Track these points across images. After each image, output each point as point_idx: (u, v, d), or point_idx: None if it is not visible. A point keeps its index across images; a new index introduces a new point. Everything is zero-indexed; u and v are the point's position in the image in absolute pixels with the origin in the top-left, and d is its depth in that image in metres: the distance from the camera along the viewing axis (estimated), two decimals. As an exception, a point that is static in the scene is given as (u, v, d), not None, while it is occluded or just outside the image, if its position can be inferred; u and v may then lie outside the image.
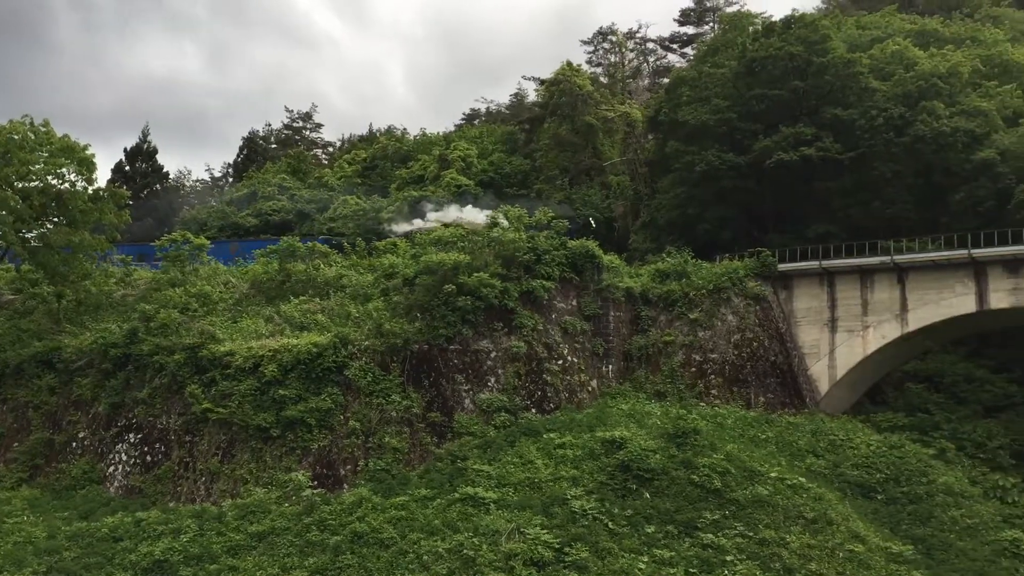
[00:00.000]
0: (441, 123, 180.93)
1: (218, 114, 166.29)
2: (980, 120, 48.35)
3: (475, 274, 39.24)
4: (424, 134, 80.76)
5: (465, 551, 29.79)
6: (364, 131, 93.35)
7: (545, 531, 30.17)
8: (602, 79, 76.31)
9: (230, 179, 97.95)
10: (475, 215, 55.26)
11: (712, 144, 52.20)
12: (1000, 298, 39.03)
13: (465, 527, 30.99)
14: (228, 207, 73.30)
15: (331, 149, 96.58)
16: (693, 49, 78.77)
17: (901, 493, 34.68)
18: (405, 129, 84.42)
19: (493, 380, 38.57)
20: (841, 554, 30.21)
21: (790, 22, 53.80)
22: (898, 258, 41.00)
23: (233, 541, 31.90)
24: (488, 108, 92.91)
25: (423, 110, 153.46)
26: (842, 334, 42.01)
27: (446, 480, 34.05)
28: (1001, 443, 38.96)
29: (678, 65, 78.59)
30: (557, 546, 29.61)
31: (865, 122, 49.03)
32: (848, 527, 31.56)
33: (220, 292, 45.30)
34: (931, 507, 33.83)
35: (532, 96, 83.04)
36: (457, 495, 32.73)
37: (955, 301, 39.85)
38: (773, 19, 60.14)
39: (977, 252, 39.18)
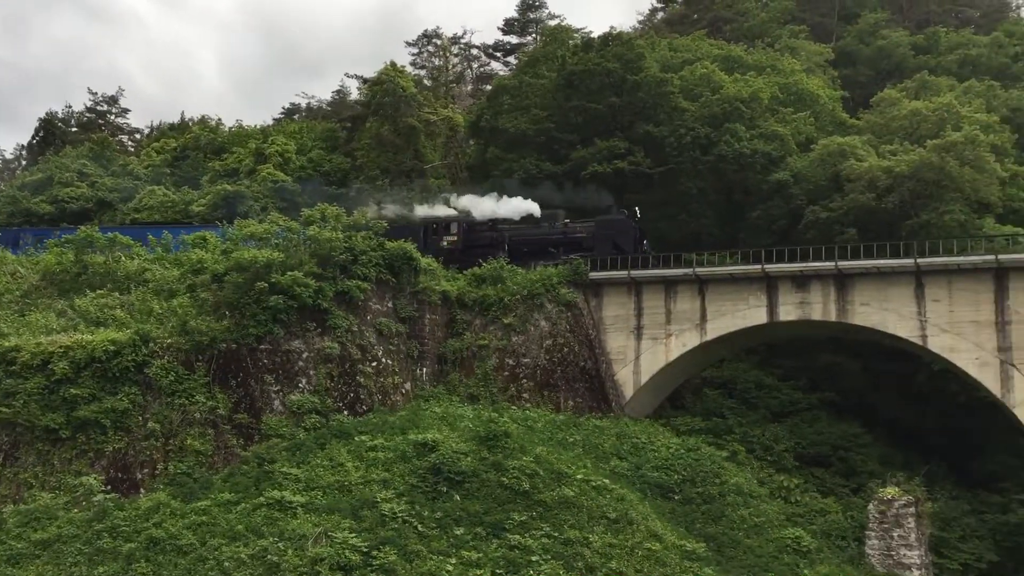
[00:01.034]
0: (259, 116, 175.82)
1: (11, 91, 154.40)
2: (777, 144, 51.84)
3: (289, 273, 38.30)
4: (240, 126, 78.04)
5: (269, 556, 28.99)
6: (175, 119, 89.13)
7: (353, 535, 29.80)
8: (426, 82, 76.36)
9: (23, 162, 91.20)
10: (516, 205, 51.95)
11: (531, 152, 53.42)
12: (789, 311, 41.85)
13: (270, 532, 30.15)
14: (20, 192, 68.19)
15: (138, 136, 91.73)
16: (516, 58, 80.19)
17: (696, 493, 36.56)
18: (220, 120, 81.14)
19: (304, 381, 37.76)
20: (640, 552, 31.49)
21: (608, 39, 55.81)
22: (699, 271, 43.19)
23: (14, 550, 29.75)
24: (309, 104, 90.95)
25: (239, 101, 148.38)
26: (647, 341, 43.82)
27: (252, 484, 32.98)
28: (786, 446, 41.83)
29: (501, 73, 79.82)
30: (365, 549, 29.29)
31: (675, 140, 51.53)
32: (647, 526, 32.94)
33: (6, 283, 42.08)
34: (723, 507, 35.84)
35: (355, 94, 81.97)
36: (263, 499, 31.76)
37: (749, 313, 42.39)
38: (592, 35, 62.24)
39: (770, 267, 41.87)
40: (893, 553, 34.76)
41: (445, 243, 49.69)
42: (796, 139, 53.32)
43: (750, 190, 50.49)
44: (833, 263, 40.68)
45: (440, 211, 52.71)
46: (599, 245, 47.07)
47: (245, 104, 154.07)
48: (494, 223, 50.37)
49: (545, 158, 52.86)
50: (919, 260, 39.19)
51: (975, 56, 70.48)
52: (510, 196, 51.11)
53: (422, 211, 53.09)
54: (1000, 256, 38.00)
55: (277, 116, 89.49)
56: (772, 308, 42.08)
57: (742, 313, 42.49)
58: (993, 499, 42.14)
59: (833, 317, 40.98)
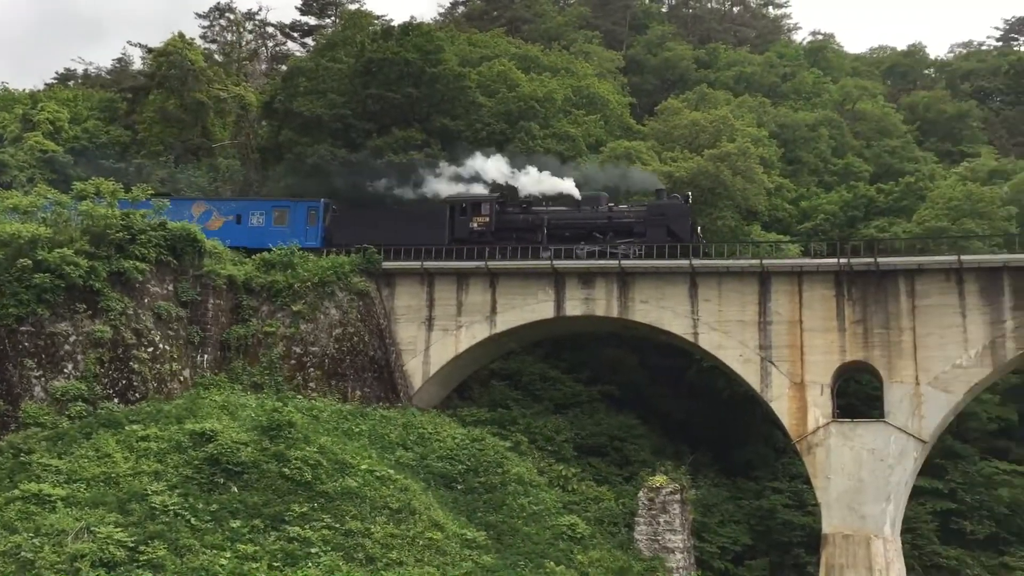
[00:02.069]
0: (27, 80, 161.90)
1: None
2: (569, 144, 53.50)
3: (57, 250, 35.65)
4: (6, 90, 71.86)
5: (24, 553, 26.96)
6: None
7: (119, 529, 28.18)
8: (217, 57, 73.10)
9: None
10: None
11: (326, 138, 52.35)
12: (575, 306, 43.28)
13: (25, 527, 28.04)
14: None
15: None
16: (313, 40, 78.34)
17: (479, 483, 37.18)
18: (-19, 81, 74.33)
19: (71, 366, 35.32)
20: (421, 542, 31.68)
21: (408, 29, 55.59)
22: (491, 264, 43.87)
23: None
24: (86, 70, 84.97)
25: (3, 62, 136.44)
26: (438, 332, 44.03)
27: (5, 476, 30.58)
28: (567, 437, 43.31)
29: (297, 54, 77.69)
30: (131, 545, 27.80)
31: (471, 134, 52.07)
32: (430, 516, 33.18)
33: None
34: (504, 496, 36.64)
35: (138, 64, 77.32)
36: (18, 492, 29.53)
37: (537, 307, 43.52)
38: (393, 23, 61.80)
39: (558, 264, 43.14)
40: (659, 538, 36.83)
41: (475, 225, 45.89)
42: (587, 140, 55.25)
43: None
44: (617, 262, 42.43)
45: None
46: (652, 231, 44.15)
47: (11, 66, 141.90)
48: (528, 204, 47.40)
49: (340, 144, 51.98)
50: (694, 262, 41.57)
51: (749, 73, 75.74)
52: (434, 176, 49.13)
53: (442, 188, 49.27)
54: (765, 261, 40.92)
55: (49, 81, 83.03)
56: (559, 303, 43.36)
57: (531, 307, 43.54)
58: (749, 486, 45.50)
59: (615, 313, 42.76)
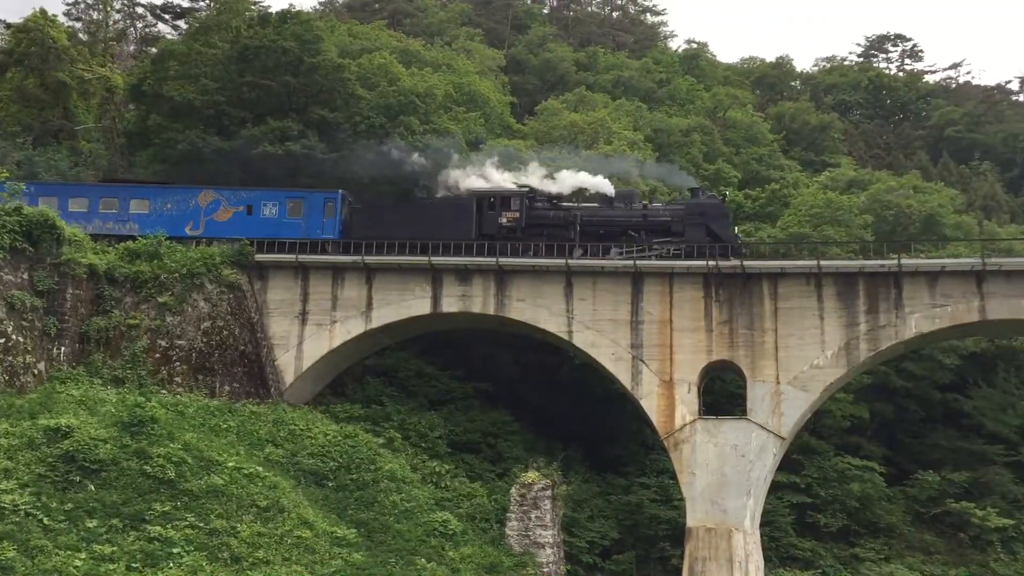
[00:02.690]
0: None
1: None
2: (449, 140, 53.36)
3: None
4: None
5: None
6: None
7: (-37, 531, 26.64)
8: (82, 36, 69.74)
9: None
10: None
11: (198, 125, 50.65)
12: (452, 302, 43.25)
13: None
14: None
15: None
16: (186, 23, 75.65)
17: (351, 480, 36.75)
18: None
19: (-89, 358, 33.13)
20: (289, 540, 31.11)
21: (286, 16, 54.31)
22: (368, 259, 43.37)
23: None
24: (-63, 44, 79.63)
25: None
26: (311, 327, 43.29)
27: None
28: (440, 433, 43.26)
29: (169, 36, 74.84)
30: (-23, 547, 26.30)
31: (350, 127, 51.29)
32: (299, 514, 32.60)
33: None
34: (376, 493, 36.34)
35: (-5, 39, 72.98)
36: None
37: (414, 303, 43.29)
38: (270, 9, 60.32)
39: (436, 260, 43.01)
40: (530, 533, 37.23)
41: (504, 220, 44.16)
42: (467, 138, 55.26)
43: (423, 184, 51.53)
44: (495, 259, 42.61)
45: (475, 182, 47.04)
46: (691, 230, 42.94)
47: None
48: (557, 200, 45.83)
49: (213, 132, 50.36)
50: (570, 261, 42.14)
51: (627, 78, 77.40)
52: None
53: (466, 180, 47.26)
54: (638, 262, 41.84)
55: None
56: (436, 299, 43.24)
57: (408, 303, 43.27)
58: (618, 482, 46.48)
59: (492, 311, 42.95)
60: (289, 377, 42.60)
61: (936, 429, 52.29)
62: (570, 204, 45.81)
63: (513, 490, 38.28)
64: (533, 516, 37.26)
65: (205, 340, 41.00)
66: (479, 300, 42.98)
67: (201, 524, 30.12)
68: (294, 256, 43.48)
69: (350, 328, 43.15)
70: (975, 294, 39.25)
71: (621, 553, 43.22)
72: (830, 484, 47.46)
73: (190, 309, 41.29)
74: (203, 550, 29.17)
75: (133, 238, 43.30)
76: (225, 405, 39.03)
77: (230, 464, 33.35)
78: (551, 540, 37.26)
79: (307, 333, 43.16)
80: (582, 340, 41.96)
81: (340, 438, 38.79)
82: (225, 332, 41.47)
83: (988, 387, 52.82)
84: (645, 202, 46.00)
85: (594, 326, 41.88)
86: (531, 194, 45.61)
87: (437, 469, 40.22)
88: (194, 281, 41.73)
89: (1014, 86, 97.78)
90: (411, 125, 51.75)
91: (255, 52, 51.13)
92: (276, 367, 42.57)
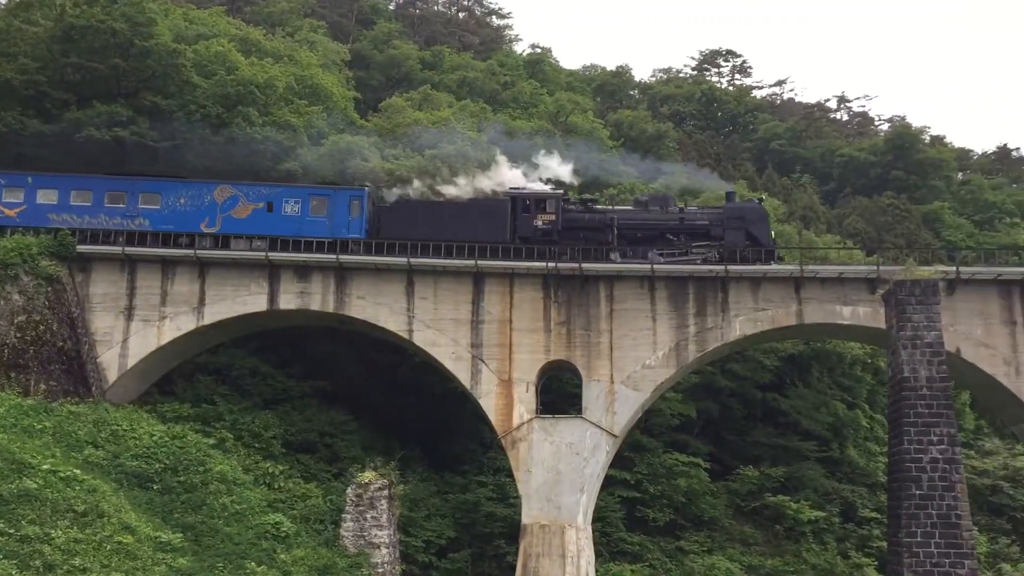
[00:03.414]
0: None
1: None
2: (289, 134, 52.12)
3: None
4: None
5: None
6: None
7: None
8: None
9: None
10: None
11: (16, 106, 47.50)
12: (290, 299, 42.28)
13: None
14: None
15: None
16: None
17: (178, 482, 35.29)
18: None
19: None
20: (109, 546, 29.54)
21: (116, -4, 51.63)
22: (201, 253, 41.86)
23: None
24: None
25: None
26: (138, 323, 41.41)
27: None
28: (275, 433, 42.20)
29: (-14, 10, 69.76)
30: None
31: (184, 115, 49.30)
32: (120, 519, 31.03)
33: None
34: (205, 495, 35.04)
35: None
36: None
37: (249, 299, 42.05)
38: (99, -12, 57.10)
39: (273, 255, 41.93)
40: (365, 533, 36.82)
41: (540, 223, 43.08)
42: (308, 132, 54.12)
43: (260, 175, 50.10)
44: (335, 256, 41.94)
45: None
46: (730, 234, 42.74)
47: None
48: (592, 202, 45.42)
49: (33, 114, 47.31)
50: (411, 260, 41.96)
51: (472, 79, 77.80)
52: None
53: (491, 180, 45.84)
54: (480, 262, 42.11)
55: None
56: (273, 296, 42.17)
57: (243, 299, 42.00)
58: (456, 480, 46.66)
59: (331, 308, 42.24)
60: (112, 375, 40.57)
61: (757, 427, 55.09)
62: (604, 207, 45.70)
63: (349, 490, 37.78)
64: (369, 516, 36.89)
65: (19, 335, 38.47)
66: (318, 297, 42.22)
67: (11, 531, 28.18)
68: (120, 248, 41.46)
69: (180, 324, 41.51)
70: (794, 299, 41.64)
71: (457, 552, 43.41)
72: (659, 480, 49.21)
73: (3, 302, 38.71)
74: (13, 558, 27.28)
75: (145, 235, 41.44)
76: (40, 404, 36.72)
77: (44, 467, 31.40)
78: (387, 540, 36.98)
79: (133, 329, 41.24)
80: (422, 339, 41.89)
81: (167, 439, 37.20)
82: (42, 327, 39.05)
83: (804, 387, 56.13)
84: (681, 205, 45.93)
85: (435, 325, 41.88)
86: (565, 196, 45.30)
87: (271, 470, 39.19)
88: (8, 272, 39.13)
89: (832, 104, 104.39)
90: (250, 116, 50.25)
91: (81, 32, 48.36)
92: (98, 364, 40.45)
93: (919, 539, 32.49)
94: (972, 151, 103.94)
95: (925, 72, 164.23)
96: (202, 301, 41.82)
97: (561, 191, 46.21)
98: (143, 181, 43.54)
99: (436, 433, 48.52)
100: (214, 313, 41.82)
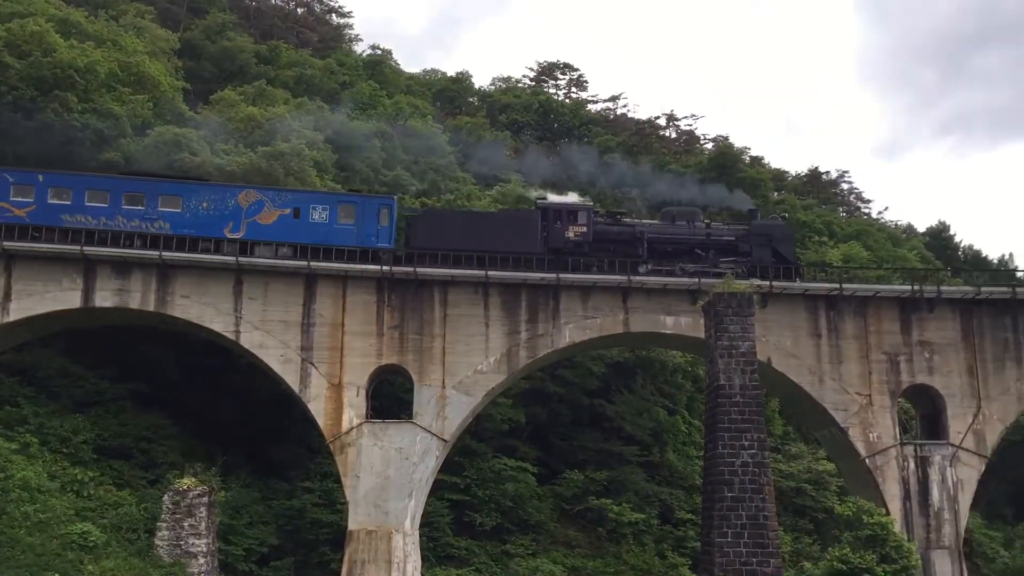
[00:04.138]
0: None
1: None
2: (111, 122, 49.50)
3: None
4: None
5: None
6: None
7: None
8: None
9: None
10: None
11: None
12: (106, 297, 40.17)
13: None
14: None
15: None
16: None
17: (-26, 491, 32.84)
18: None
19: None
20: None
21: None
22: (7, 245, 39.18)
23: None
24: None
25: None
26: (-68, 318, 38.32)
27: None
28: (86, 438, 39.90)
29: None
30: None
31: (-8, 96, 46.09)
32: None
33: None
34: (5, 503, 32.74)
35: None
36: None
37: (61, 295, 39.70)
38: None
39: (89, 250, 39.71)
40: (182, 542, 35.33)
41: (572, 234, 43.37)
42: (132, 122, 51.58)
43: (76, 165, 47.35)
44: (158, 252, 40.14)
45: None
46: (758, 250, 43.94)
47: None
48: (620, 215, 45.94)
49: None
50: (240, 259, 40.67)
51: (310, 76, 76.27)
52: None
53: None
54: (312, 263, 41.26)
55: None
56: (88, 292, 39.98)
57: (53, 295, 39.60)
58: (281, 487, 45.51)
59: (152, 307, 40.43)
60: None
61: (583, 432, 56.50)
62: (632, 221, 46.13)
63: (165, 497, 36.14)
64: (187, 524, 35.39)
65: None
66: (138, 295, 40.36)
67: None
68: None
69: (-18, 321, 38.68)
70: (621, 308, 43.02)
71: (280, 559, 42.31)
72: (487, 484, 49.67)
73: None
74: None
75: (163, 239, 40.05)
76: None
77: None
78: (205, 549, 35.60)
79: (-75, 325, 38.14)
80: (250, 341, 40.70)
81: (-37, 444, 34.53)
82: None
83: (628, 393, 58.02)
84: (707, 220, 46.59)
85: (263, 327, 40.78)
86: (595, 208, 45.73)
87: (79, 477, 37.03)
88: None
89: (662, 122, 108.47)
90: (67, 101, 47.41)
91: None
92: None
93: (729, 539, 34.10)
94: (787, 172, 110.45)
95: (747, 96, 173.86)
96: (7, 296, 39.17)
97: (591, 203, 46.77)
98: (163, 183, 42.26)
99: (262, 438, 47.13)
100: (21, 309, 39.27)
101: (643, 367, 59.02)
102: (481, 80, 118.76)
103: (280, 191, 43.79)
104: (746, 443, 35.23)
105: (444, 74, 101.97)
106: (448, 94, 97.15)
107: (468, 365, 41.72)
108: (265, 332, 40.74)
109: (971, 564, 52.87)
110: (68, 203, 40.37)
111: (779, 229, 46.06)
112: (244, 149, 52.40)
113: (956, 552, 40.99)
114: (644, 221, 46.97)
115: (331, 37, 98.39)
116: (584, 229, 43.98)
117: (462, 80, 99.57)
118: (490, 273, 42.30)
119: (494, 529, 49.21)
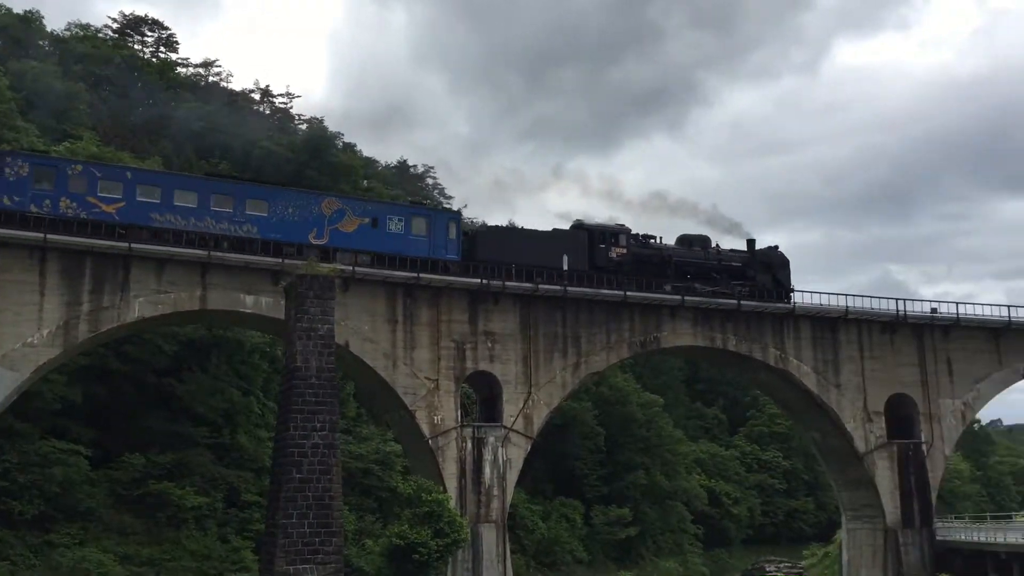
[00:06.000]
0: None
1: None
2: None
3: None
4: None
5: None
6: None
7: None
8: None
9: None
10: None
11: None
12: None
13: None
14: None
15: None
16: None
17: None
18: None
19: None
20: None
21: None
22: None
23: None
24: None
25: None
26: None
27: None
28: None
29: None
30: None
31: None
32: None
33: None
34: None
35: None
36: None
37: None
38: None
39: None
40: None
41: (614, 255, 48.51)
42: None
43: None
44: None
45: None
46: (760, 276, 50.89)
47: None
48: (647, 238, 50.43)
49: None
50: None
51: None
52: None
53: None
54: None
55: None
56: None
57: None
58: None
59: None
60: None
61: (149, 412, 53.38)
62: (658, 244, 50.89)
63: None
64: None
65: None
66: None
67: None
68: None
69: None
70: (199, 284, 41.19)
71: None
72: (31, 469, 45.05)
73: None
74: None
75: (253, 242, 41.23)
76: None
77: None
78: None
79: None
80: None
81: None
82: None
83: (202, 372, 55.88)
84: (716, 245, 52.39)
85: None
86: (632, 232, 50.13)
87: None
88: None
89: (256, 96, 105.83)
90: None
91: None
92: None
93: (294, 520, 34.25)
94: (377, 162, 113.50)
95: (343, 80, 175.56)
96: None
97: (628, 227, 50.69)
98: (250, 186, 43.40)
99: None
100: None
101: (219, 346, 57.19)
102: (55, 23, 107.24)
103: (359, 200, 47.24)
104: (318, 425, 35.68)
105: (9, 10, 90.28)
106: (13, 33, 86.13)
107: (16, 337, 37.54)
108: None
109: (513, 536, 58.43)
110: (158, 202, 40.23)
111: (778, 257, 52.78)
112: None
113: (501, 525, 44.88)
114: (668, 245, 51.87)
115: None
116: (624, 251, 49.22)
117: (31, 20, 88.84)
118: (49, 237, 38.30)
119: (36, 518, 44.75)
